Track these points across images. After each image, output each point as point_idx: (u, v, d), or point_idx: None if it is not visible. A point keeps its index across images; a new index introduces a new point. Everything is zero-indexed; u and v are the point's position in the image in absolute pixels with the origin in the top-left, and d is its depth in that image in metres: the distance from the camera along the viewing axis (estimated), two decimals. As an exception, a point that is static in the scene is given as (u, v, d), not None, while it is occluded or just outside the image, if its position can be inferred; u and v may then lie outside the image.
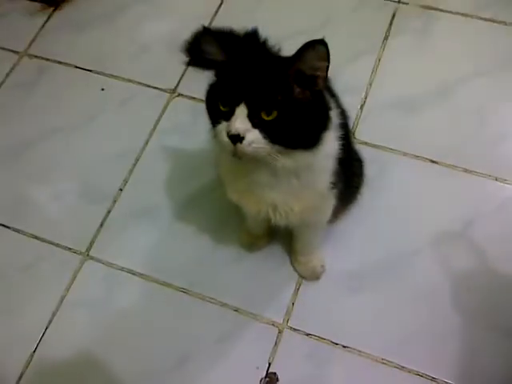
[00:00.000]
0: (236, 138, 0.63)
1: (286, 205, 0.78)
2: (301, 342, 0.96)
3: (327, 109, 0.70)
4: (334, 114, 0.72)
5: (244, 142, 0.64)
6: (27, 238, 1.11)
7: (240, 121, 0.63)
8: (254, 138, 0.64)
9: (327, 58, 0.63)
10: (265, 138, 0.64)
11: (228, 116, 0.65)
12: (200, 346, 0.98)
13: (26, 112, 1.28)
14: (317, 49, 0.62)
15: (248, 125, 0.64)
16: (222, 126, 0.65)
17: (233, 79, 0.65)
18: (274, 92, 0.63)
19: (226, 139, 0.65)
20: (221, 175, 0.85)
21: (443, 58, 1.26)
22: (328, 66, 0.64)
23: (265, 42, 1.17)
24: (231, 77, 0.66)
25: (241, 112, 0.63)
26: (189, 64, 1.28)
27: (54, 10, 1.42)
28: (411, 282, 1.00)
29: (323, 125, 0.68)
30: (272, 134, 0.64)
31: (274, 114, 0.64)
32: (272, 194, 0.76)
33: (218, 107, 0.66)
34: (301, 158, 0.69)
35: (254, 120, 0.64)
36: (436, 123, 1.17)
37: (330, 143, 0.72)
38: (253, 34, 1.17)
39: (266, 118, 0.64)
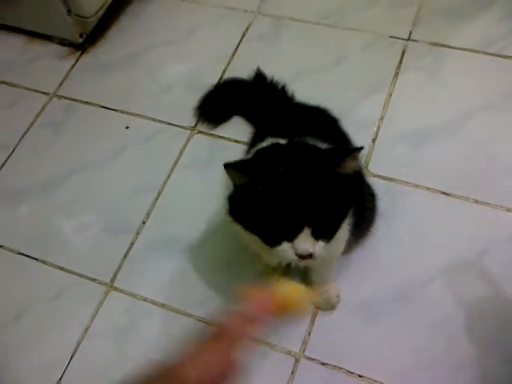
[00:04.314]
0: (306, 256, 0.67)
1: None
2: (317, 371, 0.98)
3: (352, 182, 0.72)
4: None
5: (314, 256, 0.67)
6: (54, 270, 1.16)
7: (307, 242, 0.66)
8: (321, 249, 0.68)
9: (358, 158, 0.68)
10: (326, 242, 0.68)
11: (290, 237, 0.67)
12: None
13: (54, 149, 1.35)
14: (353, 156, 0.66)
15: (313, 241, 0.67)
16: (286, 247, 0.67)
17: (283, 209, 0.65)
18: (329, 208, 0.67)
19: (294, 258, 0.67)
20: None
21: (453, 92, 1.30)
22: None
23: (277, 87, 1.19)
24: (278, 206, 0.65)
25: (305, 234, 0.66)
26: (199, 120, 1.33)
27: (81, 54, 1.51)
28: (425, 311, 1.02)
29: (354, 197, 0.72)
30: (329, 235, 0.69)
31: None
32: None
33: (272, 231, 0.68)
34: None
35: (317, 234, 0.67)
36: (447, 156, 1.20)
37: None
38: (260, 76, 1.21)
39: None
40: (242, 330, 0.38)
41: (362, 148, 0.65)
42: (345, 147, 0.71)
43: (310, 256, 0.67)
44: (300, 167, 0.67)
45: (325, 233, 0.67)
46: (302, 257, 0.67)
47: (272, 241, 0.68)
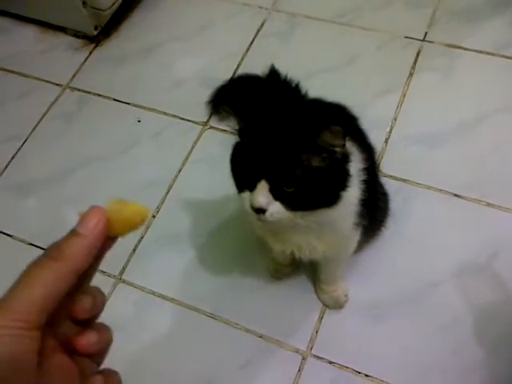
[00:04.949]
0: (259, 210, 0.67)
1: (310, 245, 0.81)
2: (324, 369, 0.98)
3: (346, 169, 0.70)
4: (354, 167, 0.73)
5: (266, 213, 0.67)
6: (64, 261, 1.16)
7: (262, 195, 0.66)
8: (275, 210, 0.67)
9: (343, 136, 0.64)
10: (286, 208, 0.67)
11: (251, 187, 0.68)
12: (225, 371, 1.01)
13: (66, 140, 1.35)
14: (332, 130, 0.63)
15: (270, 197, 0.66)
16: (246, 196, 0.69)
17: (252, 155, 0.67)
18: (293, 169, 0.65)
19: (249, 208, 0.68)
20: (247, 216, 0.88)
21: (467, 94, 1.29)
22: (345, 143, 0.66)
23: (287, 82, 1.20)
24: (251, 152, 0.68)
25: (262, 186, 0.66)
26: (212, 114, 1.32)
27: (95, 47, 1.51)
28: (434, 312, 1.02)
29: (343, 185, 0.70)
30: (293, 203, 0.67)
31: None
32: (296, 237, 0.79)
33: (242, 175, 0.70)
34: (322, 214, 0.71)
35: (275, 193, 0.66)
36: (459, 158, 1.20)
37: (352, 192, 0.73)
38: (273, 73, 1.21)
39: (286, 190, 0.66)
40: (82, 251, 0.36)
41: (343, 127, 0.63)
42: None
43: (263, 212, 0.67)
44: (285, 126, 0.68)
45: (286, 197, 0.66)
46: (254, 209, 0.67)
47: (239, 186, 0.70)
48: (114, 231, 0.38)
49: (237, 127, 0.72)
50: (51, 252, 0.36)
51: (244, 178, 0.69)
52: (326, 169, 0.67)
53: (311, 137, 0.65)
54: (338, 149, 0.66)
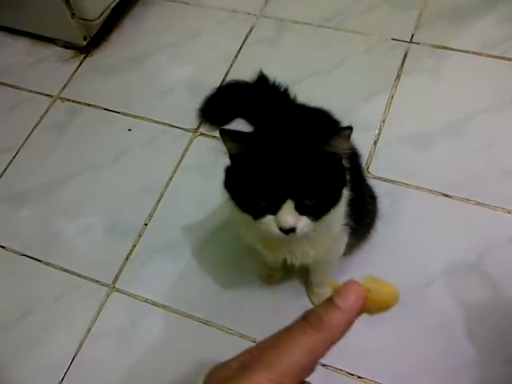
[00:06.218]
0: (288, 230, 0.66)
1: (302, 250, 0.81)
2: (317, 372, 0.98)
3: (343, 166, 0.72)
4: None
5: (297, 231, 0.67)
6: (57, 271, 1.16)
7: (289, 215, 0.65)
8: (304, 225, 0.67)
9: (349, 138, 0.66)
10: (312, 219, 0.68)
11: (273, 210, 0.66)
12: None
13: (58, 151, 1.36)
14: (342, 134, 0.65)
15: (297, 215, 0.66)
16: (269, 220, 0.67)
17: (269, 180, 0.65)
18: (314, 182, 0.66)
19: (277, 231, 0.67)
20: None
21: (454, 95, 1.30)
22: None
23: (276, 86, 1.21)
24: (265, 177, 0.65)
25: (288, 206, 0.66)
26: (202, 122, 1.34)
27: (84, 57, 1.52)
28: (425, 313, 1.02)
29: (344, 181, 0.71)
30: (316, 213, 0.68)
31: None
32: (289, 243, 0.80)
33: (256, 202, 0.68)
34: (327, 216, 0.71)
35: (300, 208, 0.66)
36: (448, 158, 1.20)
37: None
38: (262, 79, 1.22)
39: (308, 203, 0.66)
40: (340, 325, 0.37)
41: (349, 128, 0.64)
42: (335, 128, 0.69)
43: (293, 231, 0.66)
44: (290, 142, 0.68)
45: (310, 209, 0.67)
46: (284, 231, 0.66)
47: (257, 213, 0.68)
48: (366, 309, 0.38)
49: (230, 152, 0.70)
50: (312, 319, 0.37)
51: (261, 205, 0.67)
52: (331, 171, 0.68)
53: (320, 145, 0.66)
54: (345, 151, 0.68)
